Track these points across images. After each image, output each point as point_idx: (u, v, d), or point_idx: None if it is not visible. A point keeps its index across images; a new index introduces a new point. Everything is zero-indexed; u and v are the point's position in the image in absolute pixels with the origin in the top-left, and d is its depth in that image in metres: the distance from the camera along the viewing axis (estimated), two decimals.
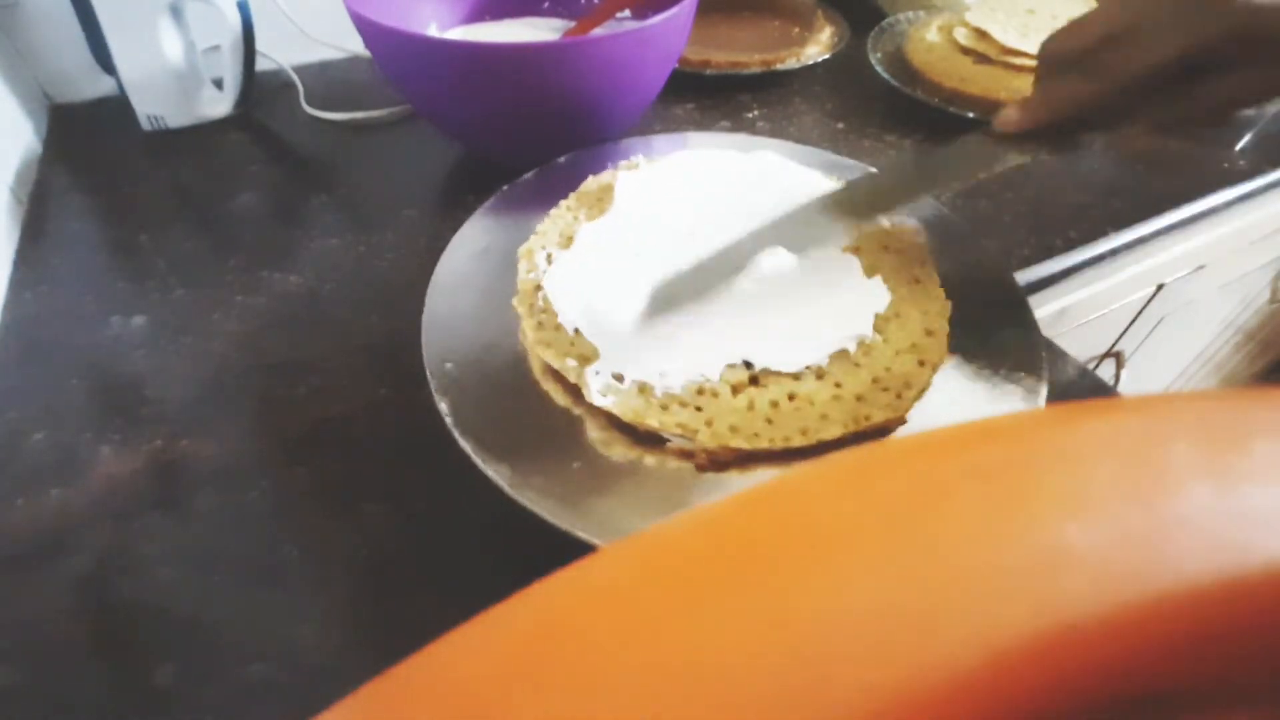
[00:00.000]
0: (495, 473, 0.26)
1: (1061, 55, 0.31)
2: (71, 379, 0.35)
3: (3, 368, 0.36)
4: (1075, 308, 0.52)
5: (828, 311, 0.32)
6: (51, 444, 0.32)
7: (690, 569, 0.08)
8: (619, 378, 0.29)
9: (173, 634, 0.26)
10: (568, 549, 0.25)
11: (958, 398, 0.30)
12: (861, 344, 0.30)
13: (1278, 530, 0.08)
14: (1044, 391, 0.29)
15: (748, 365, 0.29)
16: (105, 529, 0.29)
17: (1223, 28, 0.27)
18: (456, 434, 0.27)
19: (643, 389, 0.29)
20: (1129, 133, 0.32)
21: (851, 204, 0.36)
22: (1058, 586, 0.07)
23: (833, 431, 0.27)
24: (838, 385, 0.29)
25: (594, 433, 0.28)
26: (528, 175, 0.41)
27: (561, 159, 0.42)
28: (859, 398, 0.29)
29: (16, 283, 0.40)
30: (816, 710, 0.07)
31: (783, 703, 0.07)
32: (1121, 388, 0.68)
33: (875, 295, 0.33)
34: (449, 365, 0.30)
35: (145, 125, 0.51)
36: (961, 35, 0.57)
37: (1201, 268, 0.62)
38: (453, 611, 0.10)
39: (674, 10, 0.40)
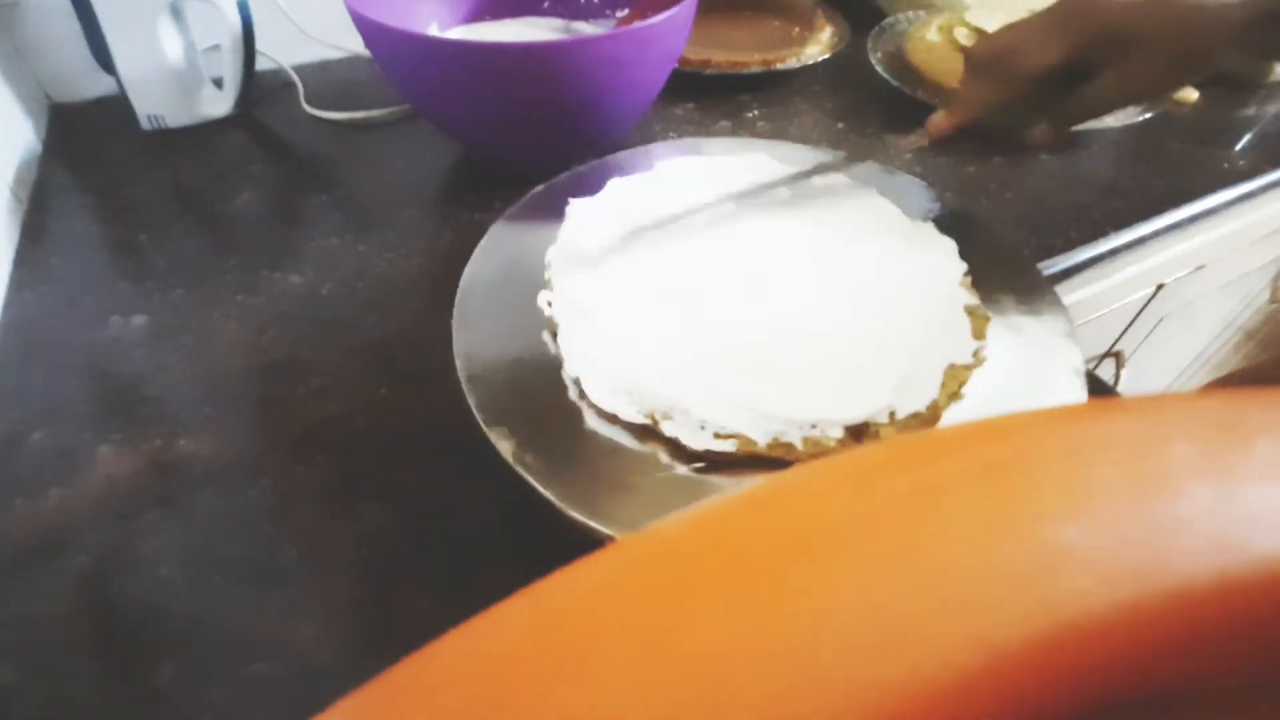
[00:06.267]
0: (506, 451, 0.26)
1: (978, 58, 0.39)
2: (71, 379, 0.35)
3: (3, 368, 0.36)
4: (1075, 308, 0.52)
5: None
6: (51, 444, 0.32)
7: (690, 568, 0.08)
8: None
9: (172, 633, 0.26)
10: (568, 548, 0.25)
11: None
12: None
13: (1278, 530, 0.08)
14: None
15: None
16: (105, 529, 0.29)
17: (1091, 33, 0.34)
18: (478, 415, 0.27)
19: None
20: (1034, 131, 0.39)
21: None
22: (1058, 586, 0.07)
23: None
24: None
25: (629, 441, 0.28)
26: (561, 176, 0.41)
27: (584, 166, 0.42)
28: None
29: (16, 283, 0.40)
30: (816, 710, 0.07)
31: (783, 702, 0.07)
32: (1121, 388, 0.68)
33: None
34: (476, 363, 0.30)
35: (145, 125, 0.51)
36: (961, 35, 0.57)
37: (1201, 268, 0.62)
38: (452, 611, 0.10)
39: (674, 10, 0.40)
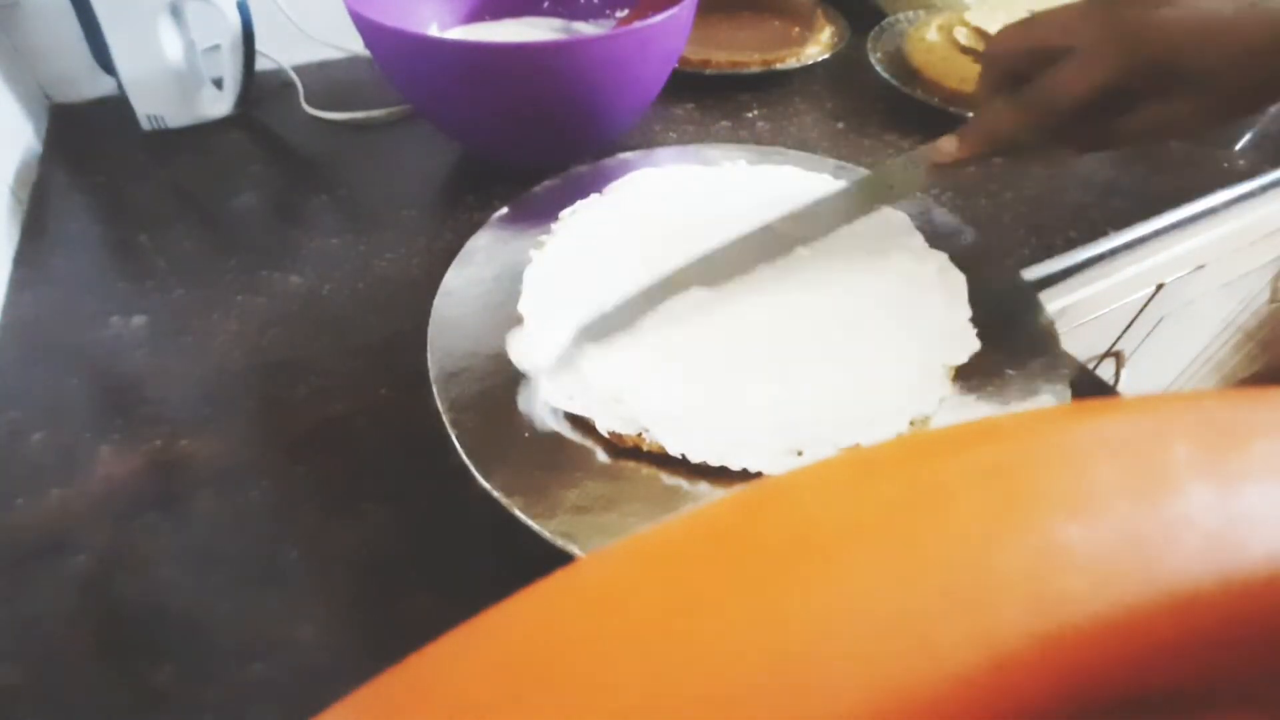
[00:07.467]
0: (491, 484, 0.26)
1: (998, 67, 0.33)
2: (71, 379, 0.35)
3: (3, 368, 0.36)
4: (1075, 308, 0.52)
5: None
6: (51, 444, 0.32)
7: (688, 570, 0.08)
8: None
9: (173, 634, 0.26)
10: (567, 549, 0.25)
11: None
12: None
13: (1277, 530, 0.08)
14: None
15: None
16: (105, 529, 0.29)
17: (1142, 58, 0.28)
18: (456, 441, 0.27)
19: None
20: (1054, 155, 0.34)
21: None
22: (1058, 587, 0.07)
23: None
24: None
25: (601, 456, 0.29)
26: (548, 182, 0.41)
27: (583, 166, 0.42)
28: None
29: (16, 283, 0.40)
30: (816, 712, 0.07)
31: (782, 704, 0.07)
32: (1121, 388, 0.68)
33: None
34: (454, 378, 0.30)
35: (145, 125, 0.51)
36: (961, 35, 0.57)
37: (1201, 268, 0.62)
38: (452, 611, 0.10)
39: (674, 10, 0.40)
